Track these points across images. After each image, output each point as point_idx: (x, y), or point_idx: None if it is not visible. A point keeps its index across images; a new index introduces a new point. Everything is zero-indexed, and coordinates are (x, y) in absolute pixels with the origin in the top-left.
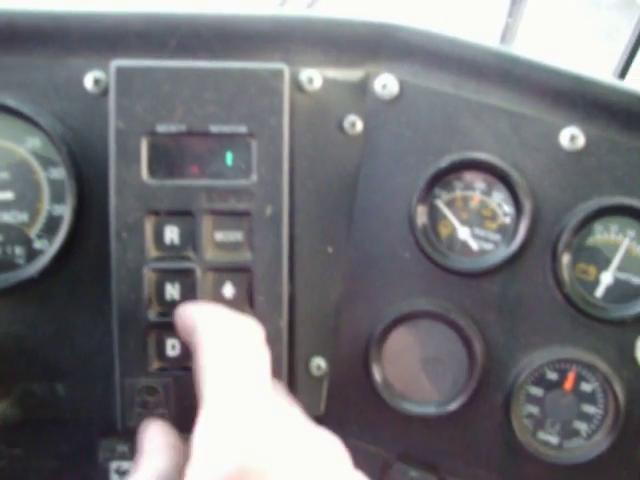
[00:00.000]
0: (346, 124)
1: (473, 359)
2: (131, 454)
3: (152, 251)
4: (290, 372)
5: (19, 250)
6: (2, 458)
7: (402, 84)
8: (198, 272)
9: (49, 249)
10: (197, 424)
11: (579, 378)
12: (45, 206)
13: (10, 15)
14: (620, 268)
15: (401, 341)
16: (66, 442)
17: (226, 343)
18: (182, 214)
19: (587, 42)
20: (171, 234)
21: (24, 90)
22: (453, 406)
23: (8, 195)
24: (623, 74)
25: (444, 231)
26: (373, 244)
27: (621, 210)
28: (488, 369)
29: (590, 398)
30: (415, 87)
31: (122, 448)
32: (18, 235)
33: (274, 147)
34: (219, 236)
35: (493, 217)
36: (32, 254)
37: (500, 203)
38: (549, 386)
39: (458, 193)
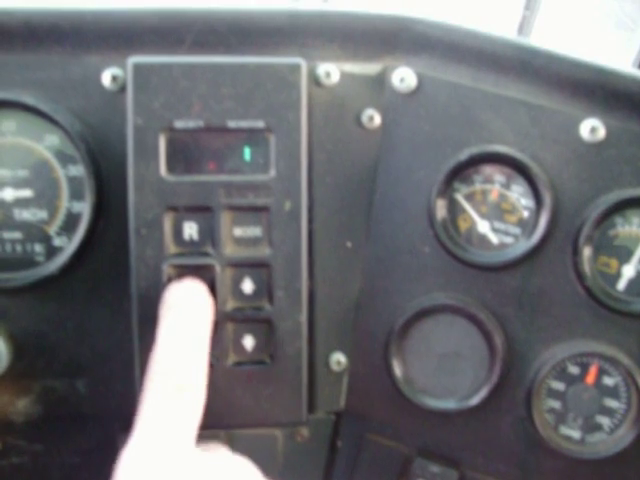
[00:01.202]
0: (364, 118)
1: (494, 353)
2: None
3: (171, 247)
4: (310, 367)
5: (39, 247)
6: (24, 454)
7: (420, 77)
8: (217, 268)
9: (68, 246)
10: (123, 454)
11: (601, 372)
12: (64, 203)
13: (27, 13)
14: None
15: (421, 336)
16: (86, 438)
17: (169, 385)
18: (201, 210)
19: (604, 33)
20: (190, 230)
21: (42, 88)
22: (474, 401)
23: (27, 193)
24: None
25: (463, 225)
26: (392, 238)
27: None
28: (509, 363)
29: (612, 392)
30: (433, 80)
31: None
32: (38, 233)
33: (292, 142)
34: (238, 232)
35: (513, 210)
36: (52, 251)
37: (519, 196)
38: (571, 380)
39: (477, 186)
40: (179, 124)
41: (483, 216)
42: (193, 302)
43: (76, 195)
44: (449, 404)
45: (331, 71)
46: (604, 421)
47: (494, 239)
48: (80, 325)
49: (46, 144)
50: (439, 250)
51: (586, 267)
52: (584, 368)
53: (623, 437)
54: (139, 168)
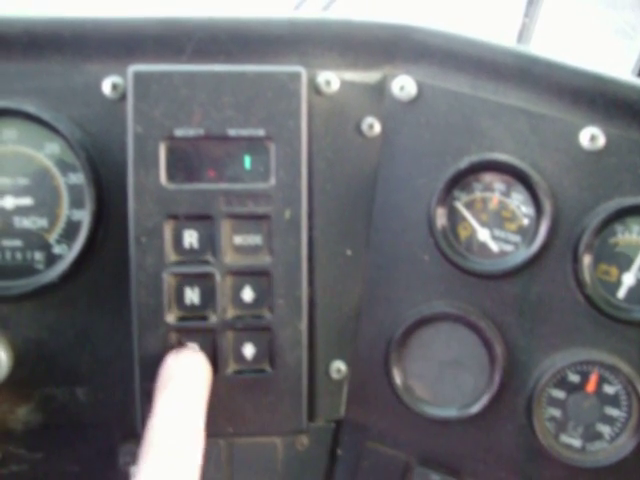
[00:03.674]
0: (364, 126)
1: (494, 361)
2: None
3: (171, 255)
4: (310, 375)
5: (39, 255)
6: (23, 462)
7: (420, 85)
8: (217, 276)
9: (68, 254)
10: None
11: (602, 380)
12: (64, 211)
13: (28, 22)
14: None
15: (421, 344)
16: (86, 446)
17: (168, 439)
18: (201, 218)
19: (603, 41)
20: (190, 238)
21: (43, 96)
22: (474, 409)
23: (27, 201)
24: None
25: (463, 233)
26: (392, 246)
27: None
28: (509, 371)
29: (613, 400)
30: (433, 88)
31: None
32: (38, 240)
33: (292, 150)
34: (238, 240)
35: (513, 218)
36: (51, 259)
37: (519, 204)
38: (571, 388)
39: (477, 194)
40: (179, 132)
41: (483, 224)
42: (190, 376)
43: (76, 203)
44: (449, 412)
45: (331, 79)
46: (605, 429)
47: (494, 247)
48: (80, 333)
49: (47, 152)
50: (439, 258)
51: (586, 275)
52: (584, 376)
53: (624, 445)
54: (139, 176)
